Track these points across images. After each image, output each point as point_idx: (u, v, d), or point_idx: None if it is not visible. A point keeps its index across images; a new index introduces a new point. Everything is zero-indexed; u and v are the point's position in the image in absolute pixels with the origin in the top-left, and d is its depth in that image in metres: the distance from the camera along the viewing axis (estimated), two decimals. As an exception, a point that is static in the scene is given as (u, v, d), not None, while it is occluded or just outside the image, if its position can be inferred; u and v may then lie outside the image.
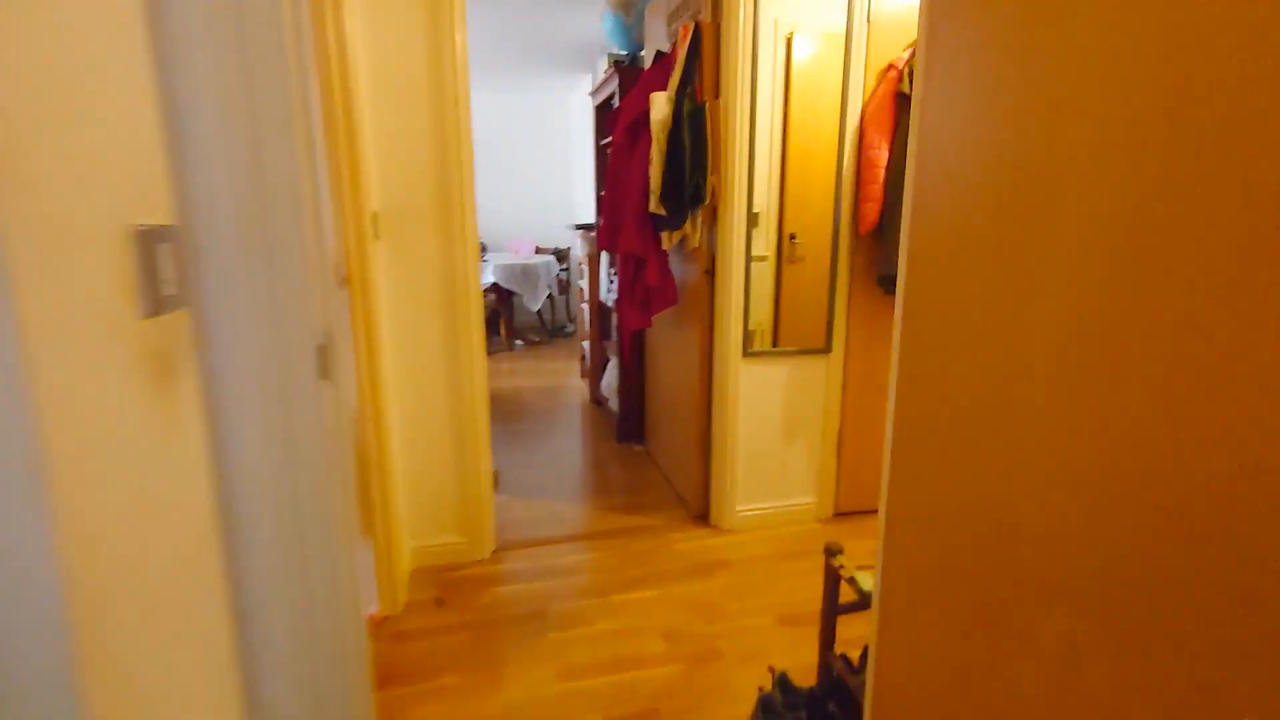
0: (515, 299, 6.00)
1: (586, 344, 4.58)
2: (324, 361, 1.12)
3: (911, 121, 0.85)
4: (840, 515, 2.73)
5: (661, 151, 2.39)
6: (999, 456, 0.71)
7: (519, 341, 6.10)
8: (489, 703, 1.73)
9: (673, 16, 2.81)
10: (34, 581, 0.52)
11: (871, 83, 2.38)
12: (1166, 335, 0.53)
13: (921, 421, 0.86)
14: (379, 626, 2.05)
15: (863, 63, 2.36)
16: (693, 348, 2.68)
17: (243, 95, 0.97)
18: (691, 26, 2.39)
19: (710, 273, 2.55)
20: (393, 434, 2.24)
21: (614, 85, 3.45)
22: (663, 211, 2.44)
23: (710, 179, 2.39)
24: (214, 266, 0.97)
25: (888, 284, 2.46)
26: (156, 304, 0.68)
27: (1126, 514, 0.57)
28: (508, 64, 5.29)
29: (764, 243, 2.44)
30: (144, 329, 0.67)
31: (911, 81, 2.21)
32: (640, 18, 3.34)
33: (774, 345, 2.52)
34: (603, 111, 4.00)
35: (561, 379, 5.00)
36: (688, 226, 2.47)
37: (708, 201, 2.42)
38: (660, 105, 2.39)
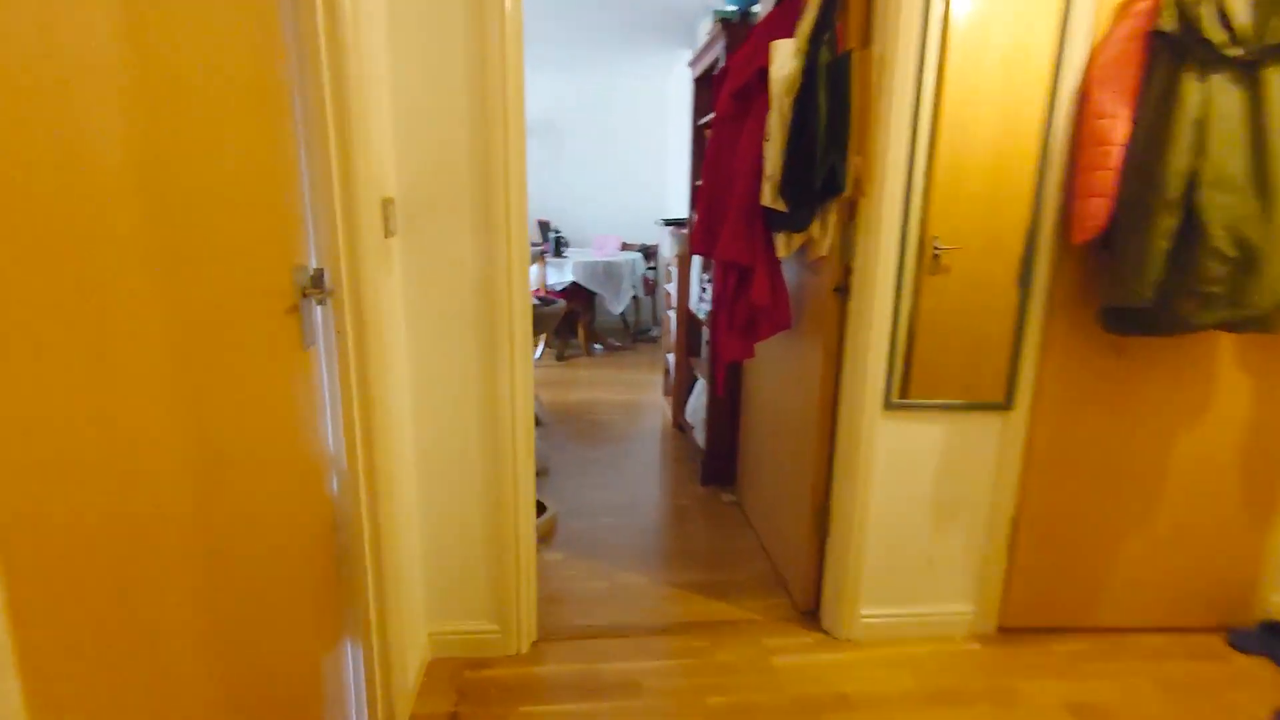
0: (596, 299, 5.45)
1: (671, 358, 3.96)
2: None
3: None
4: (1008, 631, 1.98)
5: (784, 122, 1.72)
6: None
7: (598, 346, 5.56)
8: None
9: (803, -52, 2.12)
10: None
11: (1104, 22, 1.61)
12: None
13: None
14: (367, 763, 1.51)
15: (1092, -7, 1.60)
16: (809, 388, 2.00)
17: None
18: (835, -53, 1.70)
19: (842, 291, 1.86)
20: (403, 484, 1.69)
21: (719, 48, 2.79)
22: (781, 207, 1.77)
23: (851, 160, 1.70)
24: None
25: (1119, 320, 1.68)
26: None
27: None
28: (595, 41, 4.72)
29: (893, 247, 1.72)
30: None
31: (1188, 10, 1.43)
32: (756, -37, 2.67)
33: (903, 391, 1.80)
34: (704, 85, 3.34)
35: (642, 393, 4.41)
36: (814, 228, 1.79)
37: (847, 192, 1.73)
38: (784, 57, 1.71)
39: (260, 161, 1.14)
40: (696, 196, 2.23)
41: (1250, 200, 1.44)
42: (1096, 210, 1.59)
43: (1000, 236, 1.72)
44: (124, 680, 0.78)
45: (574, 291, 5.14)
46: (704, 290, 3.21)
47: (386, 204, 1.51)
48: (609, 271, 5.18)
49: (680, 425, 3.69)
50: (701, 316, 3.22)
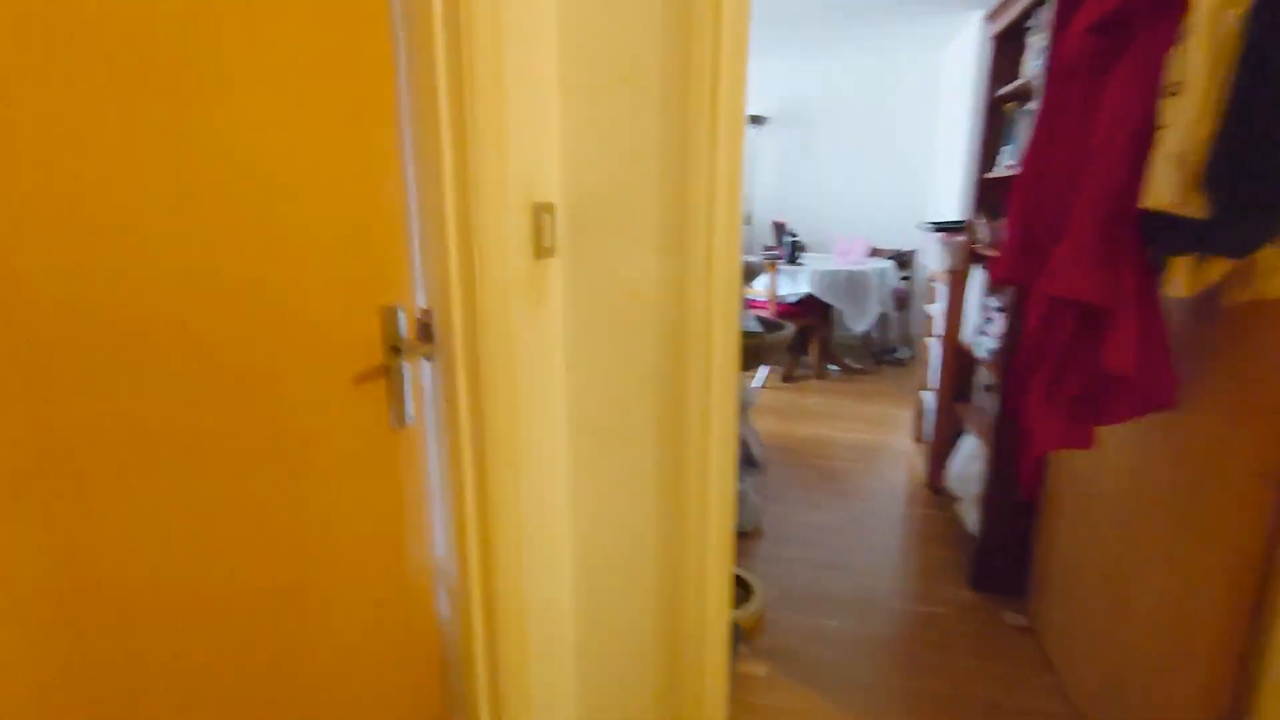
0: (835, 313, 4.70)
1: (928, 396, 3.13)
2: None
3: None
4: None
5: (1221, 58, 0.94)
6: None
7: (834, 368, 4.80)
8: None
9: None
10: None
11: None
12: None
13: None
14: None
15: None
16: (1219, 515, 1.18)
17: None
18: None
19: (1309, 364, 1.02)
20: (543, 600, 1.24)
21: (1043, -17, 1.96)
22: (1195, 211, 0.99)
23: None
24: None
25: None
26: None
27: None
28: (852, 13, 3.97)
29: None
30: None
31: None
32: None
33: None
34: (1008, 43, 2.49)
35: (885, 433, 3.61)
36: (1268, 253, 0.98)
37: (1362, 185, 0.90)
38: (1232, -61, 0.93)
39: (326, 140, 0.73)
40: (1010, 202, 1.49)
41: None
42: None
43: None
44: None
45: (808, 303, 4.46)
46: (988, 321, 2.37)
47: (541, 212, 1.06)
48: (852, 283, 4.41)
49: (936, 488, 2.87)
50: (981, 355, 2.39)
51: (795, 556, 2.40)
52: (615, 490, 1.24)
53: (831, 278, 4.39)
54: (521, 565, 1.06)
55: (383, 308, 0.85)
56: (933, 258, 3.24)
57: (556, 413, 1.19)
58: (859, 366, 4.87)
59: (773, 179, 5.47)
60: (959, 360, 2.70)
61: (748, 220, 5.29)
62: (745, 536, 2.53)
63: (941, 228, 3.26)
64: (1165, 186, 1.02)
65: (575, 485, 1.25)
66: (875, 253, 5.02)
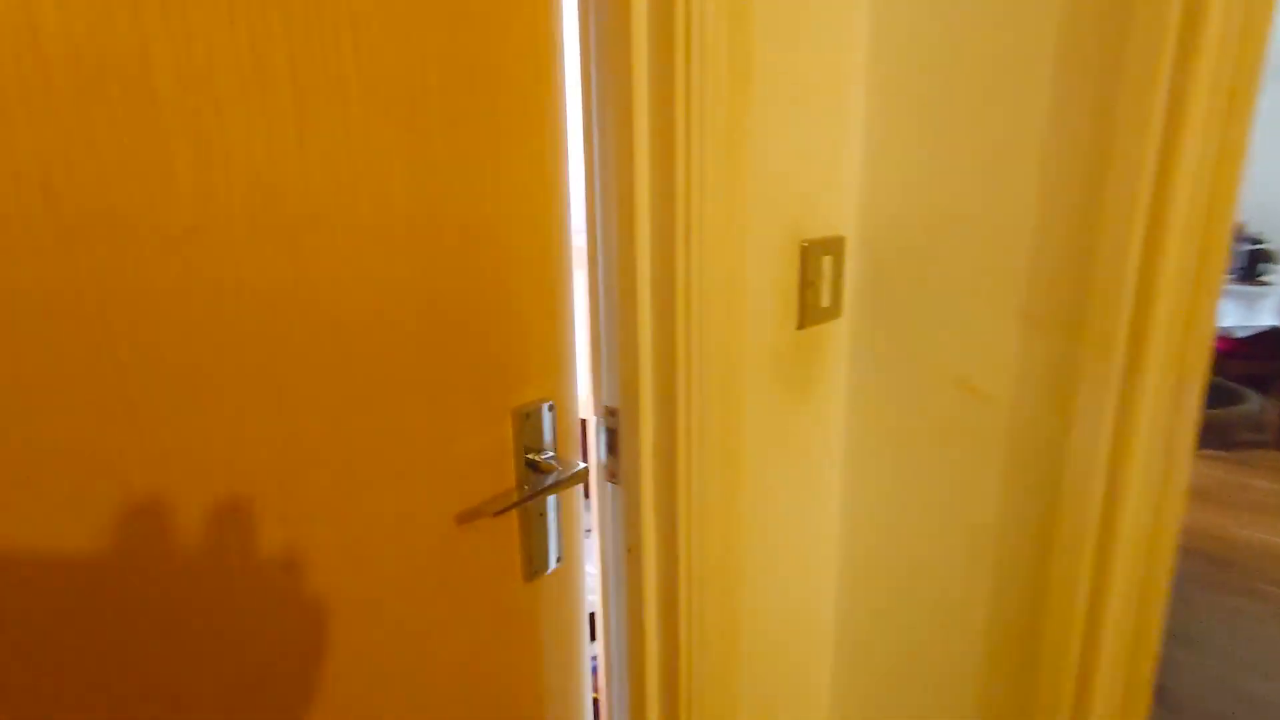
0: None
1: None
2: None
3: None
4: None
5: None
6: None
7: (1308, 436, 3.27)
8: None
9: None
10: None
11: None
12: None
13: None
14: None
15: None
16: None
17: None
18: None
19: None
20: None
21: None
22: None
23: None
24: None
25: None
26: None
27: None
28: None
29: None
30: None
31: None
32: None
33: None
34: None
35: None
36: None
37: None
38: None
39: (437, 151, 0.46)
40: None
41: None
42: None
43: None
44: None
45: (1268, 340, 3.08)
46: None
47: (813, 255, 0.66)
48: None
49: None
50: None
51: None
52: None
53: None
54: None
55: (515, 407, 0.55)
56: None
57: (820, 581, 0.78)
58: (1359, 439, 3.23)
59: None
60: None
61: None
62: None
63: None
64: None
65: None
66: None
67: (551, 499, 0.61)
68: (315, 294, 0.44)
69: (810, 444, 0.71)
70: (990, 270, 0.62)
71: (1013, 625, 0.67)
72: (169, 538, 0.40)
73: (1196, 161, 0.50)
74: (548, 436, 0.59)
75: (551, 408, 0.59)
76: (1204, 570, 2.28)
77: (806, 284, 0.66)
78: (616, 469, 0.62)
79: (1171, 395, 0.56)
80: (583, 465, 0.60)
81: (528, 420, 0.57)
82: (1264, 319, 3.01)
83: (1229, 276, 3.22)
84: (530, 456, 0.58)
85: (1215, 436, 3.27)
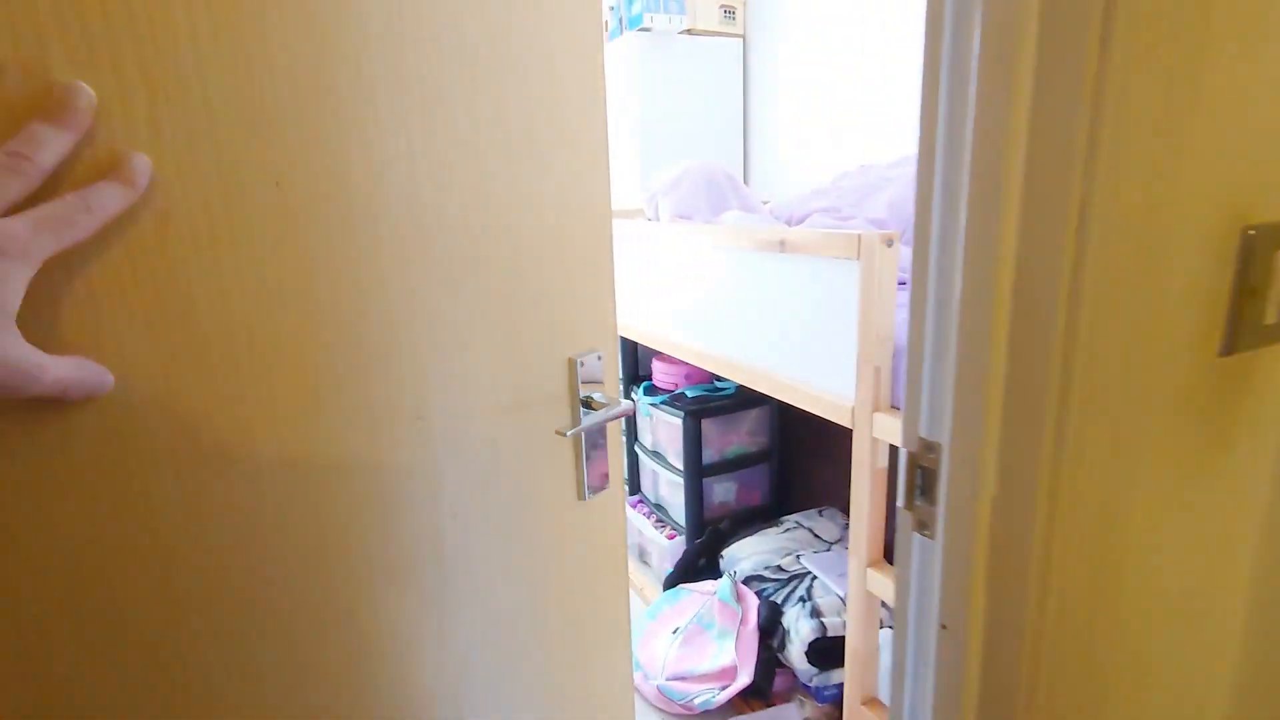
0: None
1: None
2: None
3: None
4: None
5: None
6: None
7: None
8: None
9: None
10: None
11: None
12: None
13: None
14: None
15: None
16: None
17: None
18: None
19: None
20: None
21: None
22: None
23: None
24: None
25: None
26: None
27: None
28: None
29: None
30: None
31: None
32: None
33: None
34: None
35: None
36: None
37: None
38: None
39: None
40: None
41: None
42: None
43: None
44: None
45: None
46: None
47: (1263, 244, 0.44)
48: None
49: None
50: None
51: None
52: None
53: None
54: None
55: (571, 358, 0.67)
56: None
57: (1210, 705, 0.56)
58: None
59: None
60: None
61: None
62: None
63: None
64: None
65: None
66: None
67: (600, 430, 0.76)
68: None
69: (1222, 513, 0.50)
70: None
71: None
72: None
73: None
74: (599, 378, 0.76)
75: (600, 357, 0.75)
76: None
77: (1246, 291, 0.45)
78: (930, 519, 0.48)
79: None
80: (627, 402, 0.75)
81: (583, 366, 0.74)
82: None
83: None
84: (585, 395, 0.74)
85: None
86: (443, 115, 0.59)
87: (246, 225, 0.51)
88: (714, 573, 1.89)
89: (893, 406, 1.13)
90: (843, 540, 1.80)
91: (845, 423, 1.18)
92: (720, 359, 1.55)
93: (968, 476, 0.44)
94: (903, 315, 1.20)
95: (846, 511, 1.86)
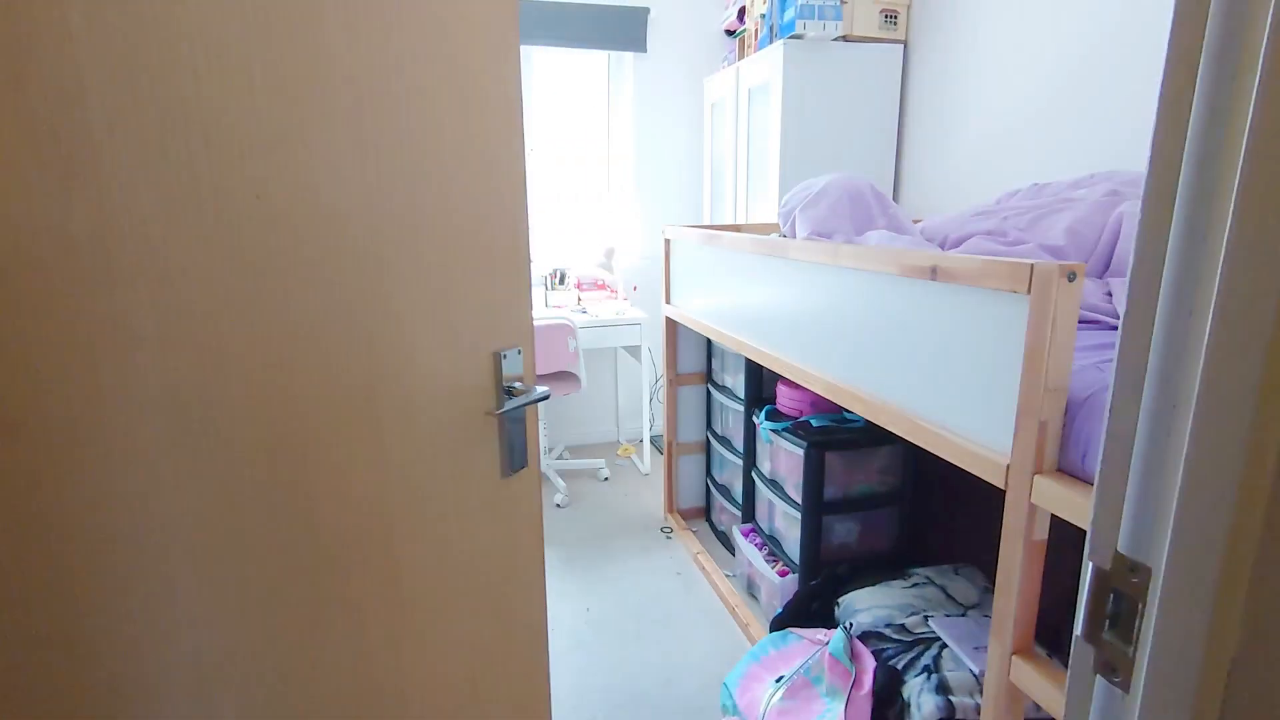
0: None
1: None
2: None
3: None
4: None
5: None
6: None
7: None
8: None
9: None
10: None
11: None
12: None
13: None
14: None
15: None
16: None
17: None
18: None
19: None
20: None
21: None
22: None
23: None
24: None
25: None
26: None
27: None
28: None
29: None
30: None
31: None
32: None
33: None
34: None
35: None
36: None
37: None
38: None
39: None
40: None
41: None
42: None
43: None
44: None
45: None
46: None
47: None
48: None
49: None
50: None
51: None
52: None
53: None
54: None
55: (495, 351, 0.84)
56: None
57: None
58: None
59: None
60: None
61: None
62: None
63: None
64: None
65: None
66: None
67: (518, 415, 0.88)
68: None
69: None
70: None
71: None
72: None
73: None
74: (518, 370, 0.88)
75: (520, 351, 0.88)
76: None
77: None
78: (1123, 664, 0.36)
79: None
80: (542, 388, 0.88)
81: (505, 359, 0.85)
82: None
83: None
84: (507, 385, 0.86)
85: None
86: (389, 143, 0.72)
87: (237, 229, 0.62)
88: (827, 620, 1.74)
89: (1060, 470, 0.95)
90: (981, 606, 1.58)
91: (997, 482, 1.02)
92: (851, 393, 1.40)
93: (1194, 620, 0.32)
94: (1084, 362, 1.02)
95: (988, 573, 1.64)
